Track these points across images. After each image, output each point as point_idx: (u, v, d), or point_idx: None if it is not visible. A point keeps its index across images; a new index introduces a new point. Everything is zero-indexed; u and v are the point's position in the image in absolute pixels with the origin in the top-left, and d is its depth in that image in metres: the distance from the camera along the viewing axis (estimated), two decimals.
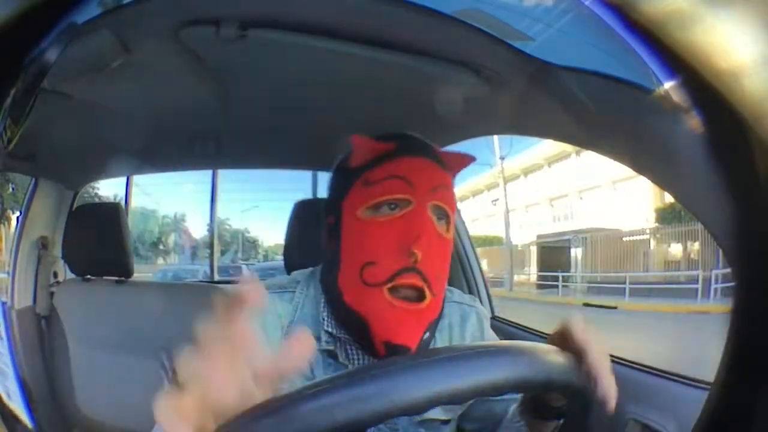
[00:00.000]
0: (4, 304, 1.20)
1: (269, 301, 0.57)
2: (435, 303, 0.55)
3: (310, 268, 0.64)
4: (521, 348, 0.37)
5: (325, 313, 0.58)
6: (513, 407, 0.57)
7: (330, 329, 0.57)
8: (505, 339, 0.42)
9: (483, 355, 0.35)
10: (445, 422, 0.62)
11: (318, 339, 0.57)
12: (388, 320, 0.52)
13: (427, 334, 0.58)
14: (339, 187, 0.59)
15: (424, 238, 0.52)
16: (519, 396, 0.55)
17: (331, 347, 0.57)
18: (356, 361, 0.58)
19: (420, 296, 0.53)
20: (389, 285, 0.52)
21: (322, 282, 0.60)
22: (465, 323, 0.64)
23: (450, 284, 0.73)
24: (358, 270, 0.54)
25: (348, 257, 0.56)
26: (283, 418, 0.31)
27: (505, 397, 0.60)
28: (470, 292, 1.29)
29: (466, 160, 0.59)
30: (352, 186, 0.57)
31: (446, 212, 0.56)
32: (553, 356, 0.38)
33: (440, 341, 0.62)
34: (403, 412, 0.32)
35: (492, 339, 0.66)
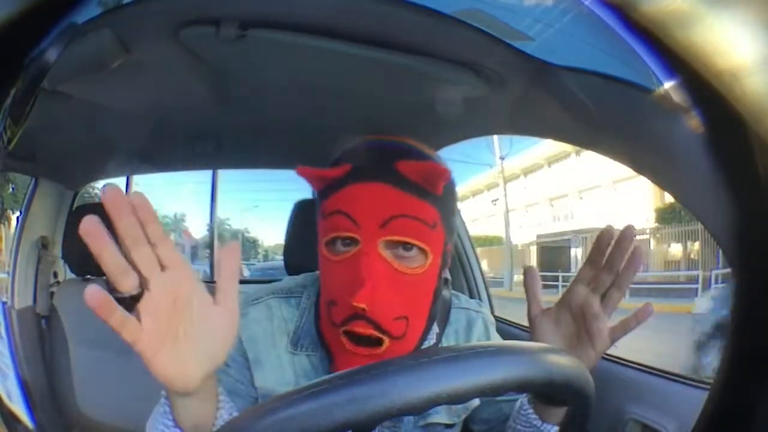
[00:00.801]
0: (4, 303, 1.19)
1: (275, 305, 0.60)
2: (399, 345, 0.51)
3: (313, 275, 0.63)
4: (521, 348, 0.38)
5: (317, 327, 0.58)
6: (521, 399, 0.57)
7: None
8: (505, 339, 0.42)
9: (482, 355, 0.35)
10: (449, 426, 0.62)
11: (323, 344, 0.57)
12: (346, 360, 0.51)
13: (429, 341, 0.58)
14: (317, 208, 0.56)
15: (367, 287, 0.48)
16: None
17: None
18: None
19: (375, 342, 0.50)
20: (343, 329, 0.50)
21: (315, 304, 0.59)
22: (471, 329, 0.64)
23: (450, 284, 0.73)
24: (326, 306, 0.53)
25: (323, 290, 0.55)
26: (283, 418, 0.31)
27: (513, 396, 0.60)
28: (470, 292, 1.29)
29: (440, 173, 0.50)
30: (319, 209, 0.54)
31: (414, 245, 0.50)
32: (553, 356, 0.39)
33: (450, 341, 0.62)
34: (403, 413, 0.32)
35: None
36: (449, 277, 0.70)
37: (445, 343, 0.61)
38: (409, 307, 0.51)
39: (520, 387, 0.37)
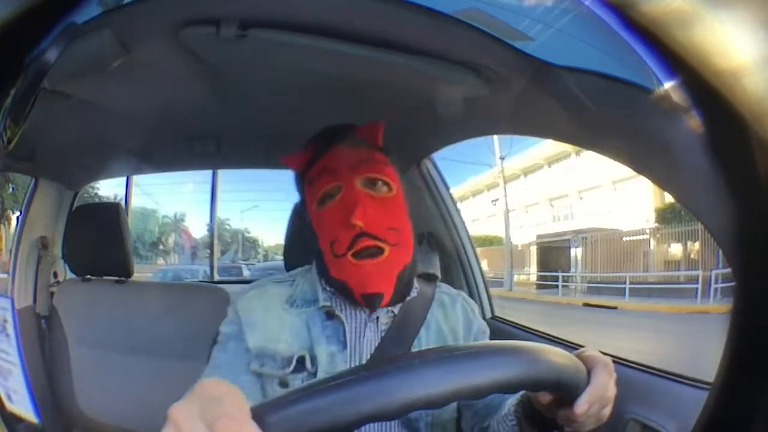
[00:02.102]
0: (12, 300, 1.20)
1: (272, 286, 0.71)
2: (397, 252, 0.65)
3: (306, 266, 0.74)
4: (534, 348, 0.39)
5: (323, 282, 0.69)
6: (508, 402, 0.60)
7: (327, 288, 0.68)
8: (505, 339, 0.43)
9: (501, 353, 0.37)
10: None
11: (315, 300, 0.68)
12: (359, 277, 0.64)
13: (408, 286, 0.68)
14: (299, 193, 0.72)
15: (359, 209, 0.62)
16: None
17: (328, 303, 0.67)
18: (350, 314, 0.67)
19: (378, 251, 0.63)
20: (350, 252, 0.63)
21: (317, 268, 0.70)
22: (455, 304, 0.73)
23: (450, 284, 0.75)
24: (329, 249, 0.65)
25: (322, 242, 0.67)
26: (308, 409, 0.32)
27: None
28: (470, 291, 1.29)
29: (374, 126, 0.68)
30: (303, 189, 0.70)
31: (380, 179, 0.66)
32: (561, 358, 0.39)
33: (438, 316, 0.71)
34: (427, 406, 0.33)
35: (481, 322, 0.73)
36: (438, 275, 0.79)
37: (437, 310, 0.71)
38: (393, 221, 0.66)
39: (532, 385, 0.38)
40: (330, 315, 0.67)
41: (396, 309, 0.68)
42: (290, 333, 0.66)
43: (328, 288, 0.68)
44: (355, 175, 0.65)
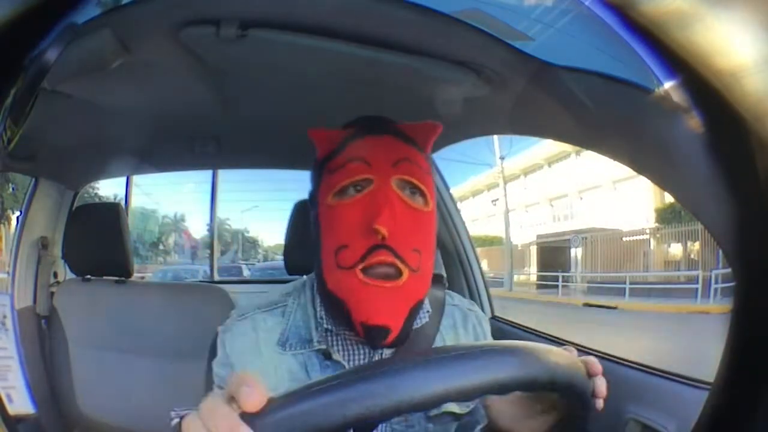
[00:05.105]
0: (12, 296, 1.19)
1: (260, 319, 0.60)
2: (416, 280, 0.53)
3: (304, 278, 0.65)
4: (527, 348, 0.38)
5: (322, 311, 0.58)
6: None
7: (326, 325, 0.58)
8: (505, 339, 0.43)
9: (490, 354, 0.36)
10: (457, 417, 0.61)
11: (310, 341, 0.58)
12: (364, 301, 0.52)
13: (420, 320, 0.59)
14: (314, 181, 0.60)
15: (386, 213, 0.51)
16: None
17: (323, 346, 0.57)
18: (350, 354, 0.58)
19: (396, 273, 0.52)
20: (361, 265, 0.52)
21: (316, 277, 0.60)
22: (467, 323, 0.66)
23: (450, 284, 0.74)
24: (333, 255, 0.54)
25: (325, 244, 0.56)
26: (292, 414, 0.32)
27: None
28: (470, 292, 1.29)
29: (432, 128, 0.58)
30: (321, 177, 0.58)
31: (416, 185, 0.55)
32: (557, 357, 0.39)
33: (447, 340, 0.63)
34: (413, 409, 0.33)
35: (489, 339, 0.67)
36: (444, 274, 0.71)
37: (444, 335, 0.62)
38: (420, 241, 0.54)
39: (525, 386, 0.37)
40: (327, 356, 0.57)
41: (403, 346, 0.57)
42: (287, 377, 0.56)
43: (323, 323, 0.58)
44: (393, 172, 0.54)
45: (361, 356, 0.58)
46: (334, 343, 0.58)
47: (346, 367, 0.57)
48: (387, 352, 0.57)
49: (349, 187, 0.54)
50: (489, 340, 0.70)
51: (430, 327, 0.61)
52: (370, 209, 0.52)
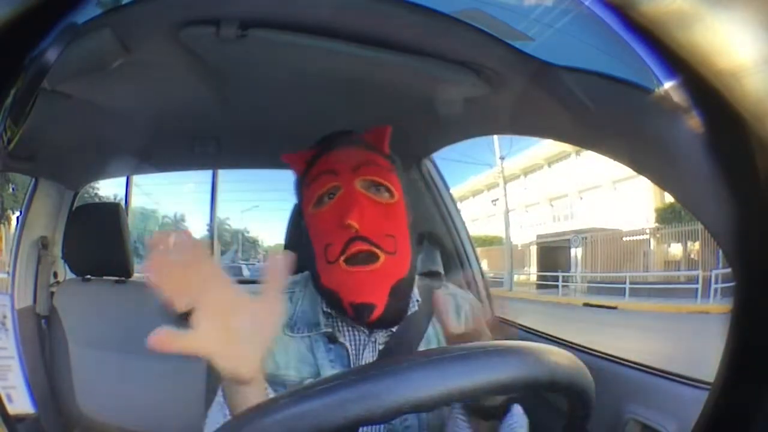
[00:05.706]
0: (12, 296, 1.19)
1: None
2: (393, 261, 0.61)
3: (307, 272, 0.69)
4: (528, 348, 0.38)
5: (323, 303, 0.65)
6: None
7: (328, 310, 0.65)
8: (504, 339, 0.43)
9: (492, 354, 0.36)
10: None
11: (317, 324, 0.65)
12: (349, 285, 0.61)
13: (411, 308, 0.66)
14: (297, 196, 0.70)
15: (355, 210, 0.59)
16: None
17: (329, 329, 0.64)
18: (351, 336, 0.65)
19: (373, 257, 0.60)
20: (343, 257, 0.60)
21: (311, 276, 0.67)
22: (459, 311, 0.69)
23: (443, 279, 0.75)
24: (322, 253, 0.62)
25: (315, 246, 0.64)
26: (293, 414, 0.32)
27: None
28: (470, 291, 1.29)
29: (383, 131, 0.67)
30: (301, 191, 0.68)
31: (379, 182, 0.64)
32: (558, 357, 0.39)
33: (438, 327, 0.66)
34: (415, 409, 0.33)
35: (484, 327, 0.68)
36: (442, 271, 0.80)
37: (435, 322, 0.67)
38: (392, 227, 0.63)
39: (526, 386, 0.37)
40: (332, 339, 0.64)
41: (396, 329, 0.65)
42: (296, 359, 0.63)
43: (328, 309, 0.65)
44: (356, 176, 0.63)
45: (360, 339, 0.65)
46: (338, 327, 0.65)
47: (349, 349, 0.63)
48: (382, 335, 0.64)
49: (323, 197, 0.63)
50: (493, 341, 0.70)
51: (420, 314, 0.67)
52: (342, 210, 0.61)
